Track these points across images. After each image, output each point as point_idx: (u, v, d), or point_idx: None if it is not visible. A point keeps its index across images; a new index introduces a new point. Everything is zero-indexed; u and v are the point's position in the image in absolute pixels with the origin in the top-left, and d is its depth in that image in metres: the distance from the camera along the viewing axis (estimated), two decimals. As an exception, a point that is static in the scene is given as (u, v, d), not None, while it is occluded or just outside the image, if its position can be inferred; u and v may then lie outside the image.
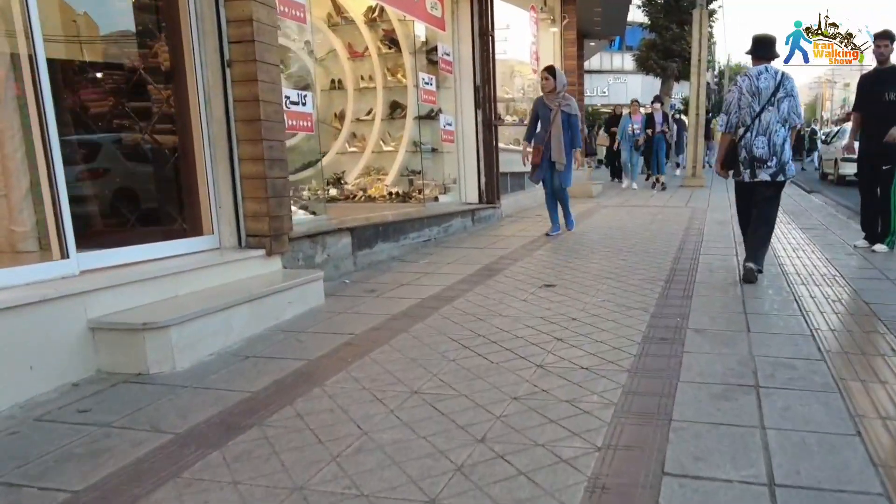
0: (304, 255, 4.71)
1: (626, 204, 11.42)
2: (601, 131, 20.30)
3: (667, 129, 14.81)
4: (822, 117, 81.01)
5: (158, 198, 4.34)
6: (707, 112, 17.10)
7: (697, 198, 12.43)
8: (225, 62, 4.02)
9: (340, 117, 8.91)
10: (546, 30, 13.65)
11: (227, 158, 4.11)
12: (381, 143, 8.71)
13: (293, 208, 5.46)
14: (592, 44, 19.66)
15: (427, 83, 7.90)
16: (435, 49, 8.16)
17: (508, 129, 11.50)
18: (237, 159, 4.12)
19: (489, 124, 8.59)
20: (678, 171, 19.03)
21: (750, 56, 4.92)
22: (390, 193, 8.21)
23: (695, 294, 4.47)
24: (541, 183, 7.55)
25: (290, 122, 5.09)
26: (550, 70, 7.30)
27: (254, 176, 4.12)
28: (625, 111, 15.97)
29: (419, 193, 8.10)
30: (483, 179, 8.63)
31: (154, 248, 3.78)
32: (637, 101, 15.23)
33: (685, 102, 26.35)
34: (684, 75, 24.53)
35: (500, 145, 10.02)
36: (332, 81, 8.93)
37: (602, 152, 22.55)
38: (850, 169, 14.38)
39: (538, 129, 7.25)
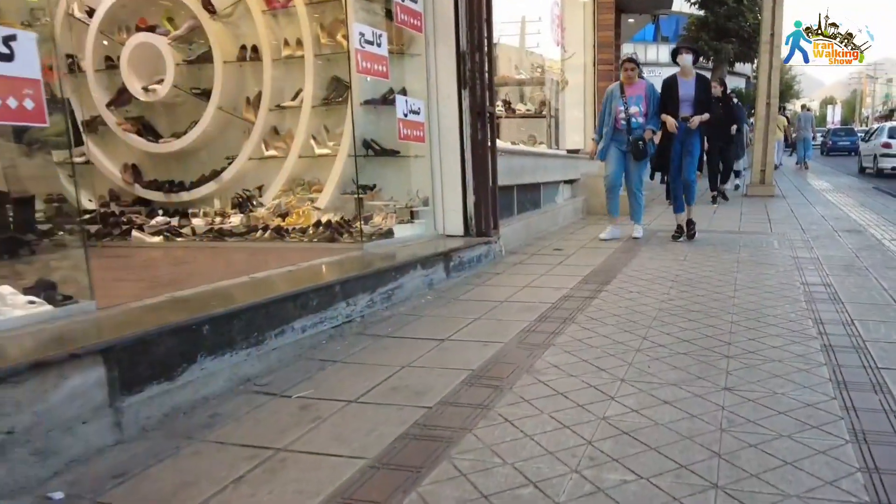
0: None
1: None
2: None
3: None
4: (861, 114, 75.86)
5: None
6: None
7: (779, 217, 9.07)
8: None
9: (255, 104, 5.83)
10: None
11: None
12: (312, 142, 5.62)
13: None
14: (631, 20, 16.29)
15: (370, 42, 4.74)
16: (391, -9, 5.03)
17: (516, 121, 8.33)
18: None
19: (481, 112, 5.46)
20: (738, 182, 13.73)
21: None
22: (318, 224, 5.11)
23: None
24: None
25: None
26: None
27: None
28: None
29: (361, 224, 4.98)
30: (471, 198, 5.49)
31: None
32: (632, 58, 6.90)
33: (737, 94, 22.74)
34: (740, 58, 20.99)
35: (502, 145, 6.91)
36: (243, 49, 5.86)
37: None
38: (888, 163, 18.47)
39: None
